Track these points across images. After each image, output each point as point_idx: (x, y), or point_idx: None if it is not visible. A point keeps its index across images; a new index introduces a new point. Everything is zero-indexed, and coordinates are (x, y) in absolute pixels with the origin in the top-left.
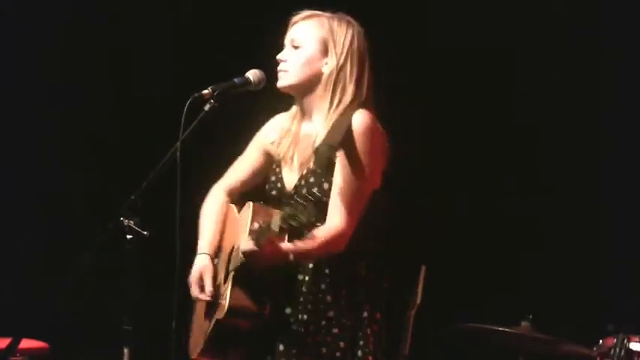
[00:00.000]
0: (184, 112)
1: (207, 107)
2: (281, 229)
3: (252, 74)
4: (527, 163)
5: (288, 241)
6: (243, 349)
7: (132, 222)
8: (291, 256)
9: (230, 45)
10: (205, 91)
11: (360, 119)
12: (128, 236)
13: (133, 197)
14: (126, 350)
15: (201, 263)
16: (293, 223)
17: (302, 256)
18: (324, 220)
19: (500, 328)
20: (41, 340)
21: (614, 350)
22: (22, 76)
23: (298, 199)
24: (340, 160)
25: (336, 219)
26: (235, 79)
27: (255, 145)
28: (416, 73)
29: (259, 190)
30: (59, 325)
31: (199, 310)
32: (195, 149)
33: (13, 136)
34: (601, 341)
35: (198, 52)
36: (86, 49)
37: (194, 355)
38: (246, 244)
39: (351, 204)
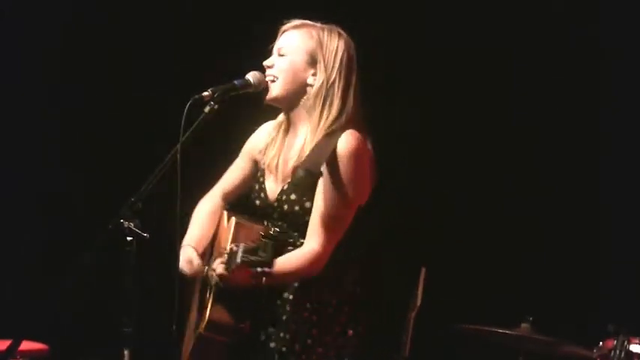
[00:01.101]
0: (184, 114)
1: (207, 109)
2: (242, 261)
3: (252, 76)
4: (526, 163)
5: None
6: None
7: (132, 224)
8: (264, 280)
9: (230, 45)
10: (205, 93)
11: (347, 142)
12: (128, 238)
13: (133, 199)
14: (126, 352)
15: (188, 253)
16: (253, 259)
17: (276, 280)
18: (304, 236)
19: (500, 330)
20: (41, 341)
21: (614, 352)
22: (22, 76)
23: (278, 212)
24: (323, 182)
25: (312, 242)
26: (235, 81)
27: (245, 152)
28: (415, 73)
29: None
30: (59, 325)
31: (192, 318)
32: (195, 150)
33: (13, 136)
34: (601, 343)
35: (198, 52)
36: (86, 49)
37: None
38: (218, 266)
39: (331, 228)
